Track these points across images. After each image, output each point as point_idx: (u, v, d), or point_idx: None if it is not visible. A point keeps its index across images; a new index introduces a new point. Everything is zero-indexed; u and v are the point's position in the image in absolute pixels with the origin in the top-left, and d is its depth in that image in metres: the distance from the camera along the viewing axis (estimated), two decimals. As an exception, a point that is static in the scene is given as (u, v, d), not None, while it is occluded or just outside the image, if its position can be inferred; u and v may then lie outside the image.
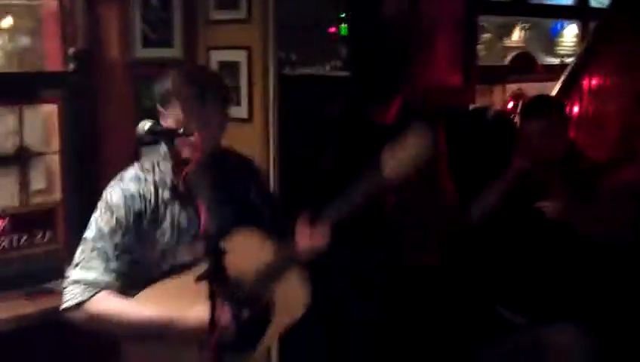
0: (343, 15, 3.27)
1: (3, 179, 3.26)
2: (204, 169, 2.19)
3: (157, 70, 3.51)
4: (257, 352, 2.33)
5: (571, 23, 6.76)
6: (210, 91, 2.19)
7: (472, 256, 3.49)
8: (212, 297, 2.10)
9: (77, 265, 2.16)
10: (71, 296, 2.12)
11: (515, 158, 3.32)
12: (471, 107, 4.56)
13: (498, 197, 3.31)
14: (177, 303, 2.12)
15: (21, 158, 3.32)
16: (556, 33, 7.11)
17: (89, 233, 2.18)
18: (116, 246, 2.15)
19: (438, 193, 3.57)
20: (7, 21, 3.79)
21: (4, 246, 3.16)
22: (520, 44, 6.72)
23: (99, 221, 2.18)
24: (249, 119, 3.54)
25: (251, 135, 3.53)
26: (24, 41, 3.88)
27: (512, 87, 5.50)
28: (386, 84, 3.53)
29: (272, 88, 3.49)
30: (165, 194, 2.21)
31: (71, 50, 3.56)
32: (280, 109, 3.49)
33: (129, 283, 2.18)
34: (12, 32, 3.85)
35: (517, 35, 7.11)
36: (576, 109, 4.81)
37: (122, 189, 2.19)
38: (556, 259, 3.24)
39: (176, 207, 2.22)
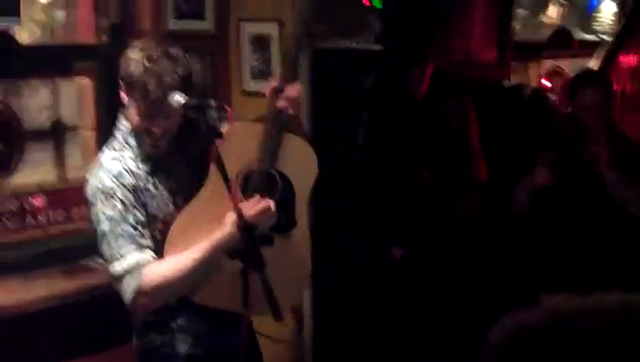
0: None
1: (39, 154, 3.27)
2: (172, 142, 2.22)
3: (189, 41, 3.58)
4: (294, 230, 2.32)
5: (609, -1, 6.60)
6: (169, 85, 2.07)
7: (512, 240, 3.45)
8: (245, 276, 2.13)
9: (111, 259, 2.12)
10: (126, 288, 2.10)
11: (539, 171, 3.27)
12: (506, 84, 4.48)
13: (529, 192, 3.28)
14: (205, 232, 2.13)
15: (57, 133, 3.33)
16: (593, 9, 6.96)
17: (104, 226, 2.13)
18: (134, 225, 2.13)
19: (470, 167, 3.52)
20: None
21: (40, 223, 3.18)
22: (556, 21, 6.59)
23: (105, 211, 2.13)
24: (281, 93, 3.50)
25: (283, 109, 3.50)
26: (59, 14, 3.89)
27: (547, 64, 5.40)
28: (419, 57, 3.48)
29: (303, 62, 3.45)
30: (145, 166, 2.20)
31: (104, 23, 3.56)
32: (312, 83, 3.45)
33: (161, 249, 2.18)
34: (49, 5, 3.86)
35: (553, 10, 6.97)
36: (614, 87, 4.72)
37: (107, 171, 2.15)
38: (605, 240, 3.19)
39: (162, 176, 2.22)
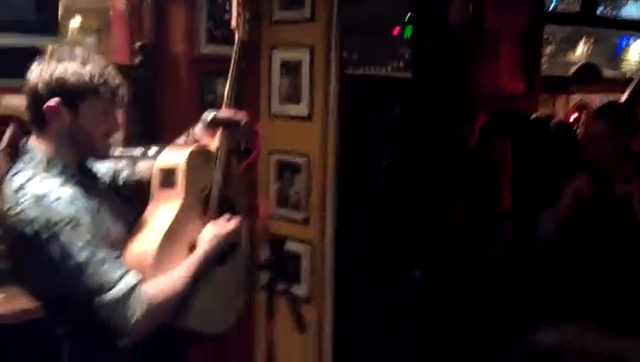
0: (408, 17, 3.25)
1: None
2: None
3: (220, 65, 3.64)
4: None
5: (638, 39, 6.62)
6: (112, 74, 2.02)
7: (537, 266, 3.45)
8: (271, 288, 2.17)
9: (103, 288, 1.91)
10: (131, 311, 1.92)
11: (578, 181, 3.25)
12: (533, 116, 4.50)
13: (562, 215, 3.26)
14: (184, 252, 2.14)
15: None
16: (622, 49, 6.97)
17: (79, 258, 1.89)
18: (109, 246, 1.97)
19: (498, 198, 3.55)
20: (76, 21, 3.91)
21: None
22: (583, 58, 6.61)
23: (75, 242, 1.89)
24: (309, 117, 3.55)
25: (311, 133, 3.54)
26: (90, 40, 3.98)
27: (575, 98, 5.40)
28: (448, 87, 3.52)
29: (332, 87, 3.50)
30: (77, 193, 1.97)
31: (137, 45, 3.64)
32: (340, 108, 3.50)
33: None
34: (79, 31, 3.96)
35: (581, 49, 7.00)
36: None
37: (57, 198, 1.90)
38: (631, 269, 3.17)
39: (94, 199, 2.04)
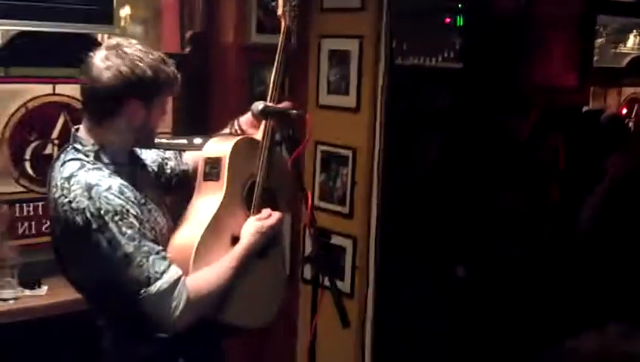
0: (460, 6, 3.21)
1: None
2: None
3: (270, 55, 3.65)
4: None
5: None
6: (163, 63, 2.04)
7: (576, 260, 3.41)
8: (316, 282, 2.17)
9: (149, 281, 1.93)
10: (175, 303, 1.94)
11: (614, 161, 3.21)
12: (584, 109, 4.42)
13: (599, 199, 3.22)
14: (222, 244, 2.14)
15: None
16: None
17: (127, 248, 1.90)
18: (154, 239, 1.99)
19: (547, 191, 3.50)
20: (126, 10, 3.95)
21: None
22: (635, 52, 6.45)
23: (124, 232, 1.91)
24: (357, 108, 3.53)
25: (358, 124, 3.52)
26: (138, 29, 4.02)
27: (627, 91, 5.28)
28: (499, 79, 3.47)
29: (381, 78, 3.47)
30: (124, 181, 2.00)
31: (188, 34, 3.66)
32: (389, 99, 3.47)
33: None
34: (129, 20, 4.00)
35: (632, 41, 6.83)
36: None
37: (107, 189, 1.92)
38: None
39: (141, 191, 2.06)
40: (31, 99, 3.11)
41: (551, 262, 3.55)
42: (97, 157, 2.01)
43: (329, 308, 2.15)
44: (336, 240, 3.48)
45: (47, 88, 3.16)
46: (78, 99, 3.19)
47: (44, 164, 3.14)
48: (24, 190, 3.13)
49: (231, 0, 3.58)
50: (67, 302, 2.96)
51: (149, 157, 2.30)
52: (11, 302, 2.90)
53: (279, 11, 2.36)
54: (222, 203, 2.17)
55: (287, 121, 2.25)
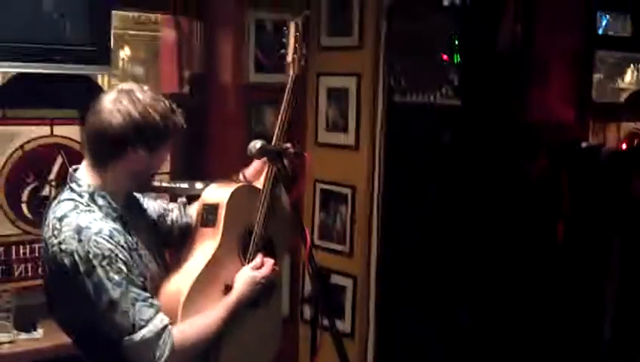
0: (457, 43, 3.22)
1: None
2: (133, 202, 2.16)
3: (268, 94, 3.66)
4: None
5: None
6: (172, 116, 2.02)
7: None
8: (315, 321, 2.14)
9: (134, 328, 1.89)
10: (158, 353, 1.91)
11: None
12: (584, 144, 4.40)
13: None
14: (214, 293, 2.11)
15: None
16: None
17: (112, 294, 1.87)
18: (142, 286, 1.95)
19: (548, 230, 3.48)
20: (125, 51, 3.97)
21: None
22: (633, 86, 6.46)
23: (111, 277, 1.87)
24: (356, 146, 3.53)
25: (357, 162, 3.52)
26: (138, 70, 4.04)
27: (627, 126, 5.27)
28: (499, 115, 3.46)
29: (380, 115, 3.48)
30: (117, 226, 1.96)
31: (187, 74, 3.67)
32: (388, 137, 3.46)
33: None
34: (129, 61, 4.02)
35: (630, 75, 6.85)
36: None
37: (97, 233, 1.89)
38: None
39: (134, 235, 2.03)
40: (28, 141, 3.11)
41: (556, 304, 3.51)
42: (92, 199, 1.97)
43: (329, 349, 2.12)
44: (336, 279, 3.45)
45: (44, 130, 3.16)
46: (76, 141, 3.22)
47: (40, 206, 3.14)
48: (20, 232, 3.11)
49: (229, 40, 3.59)
50: (63, 345, 2.88)
51: (151, 206, 2.28)
52: (7, 345, 2.86)
53: (288, 58, 2.35)
54: (216, 251, 2.15)
55: (286, 160, 2.23)
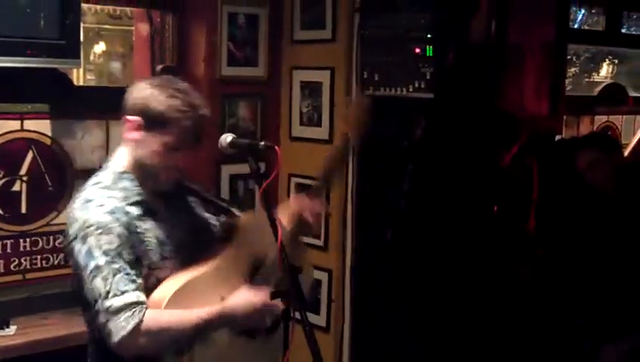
0: (429, 36, 3.22)
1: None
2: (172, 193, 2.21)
3: (241, 87, 3.65)
4: None
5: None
6: (202, 133, 2.11)
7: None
8: (287, 315, 2.13)
9: (108, 295, 1.97)
10: (123, 323, 1.96)
11: None
12: (557, 138, 4.43)
13: None
14: (204, 299, 2.11)
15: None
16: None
17: (99, 261, 1.98)
18: (130, 263, 2.02)
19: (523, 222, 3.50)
20: (100, 46, 3.96)
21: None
22: (608, 79, 6.53)
23: (101, 245, 1.99)
24: (329, 140, 3.53)
25: (331, 156, 3.51)
26: (114, 66, 4.03)
27: (600, 119, 5.33)
28: (470, 107, 3.47)
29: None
30: (135, 210, 2.08)
31: (159, 67, 3.65)
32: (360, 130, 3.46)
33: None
34: (103, 55, 4.00)
35: (605, 69, 6.92)
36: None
37: (100, 206, 2.03)
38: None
39: (150, 222, 2.12)
40: (-2, 135, 3.08)
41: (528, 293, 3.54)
42: (117, 179, 2.10)
43: (302, 343, 2.11)
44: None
45: (15, 124, 3.13)
46: (47, 135, 3.19)
47: (11, 201, 3.11)
48: (-8, 228, 3.08)
49: (201, 33, 3.57)
50: (37, 341, 2.92)
51: (203, 212, 2.35)
52: (-22, 343, 2.85)
53: (345, 128, 2.43)
54: (220, 263, 2.17)
55: (256, 153, 2.23)
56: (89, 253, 1.99)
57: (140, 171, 2.13)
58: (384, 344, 3.43)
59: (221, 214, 2.39)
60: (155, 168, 2.11)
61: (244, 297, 2.12)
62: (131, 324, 1.96)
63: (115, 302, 1.97)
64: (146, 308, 2.00)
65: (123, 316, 1.96)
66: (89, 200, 2.04)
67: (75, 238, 2.02)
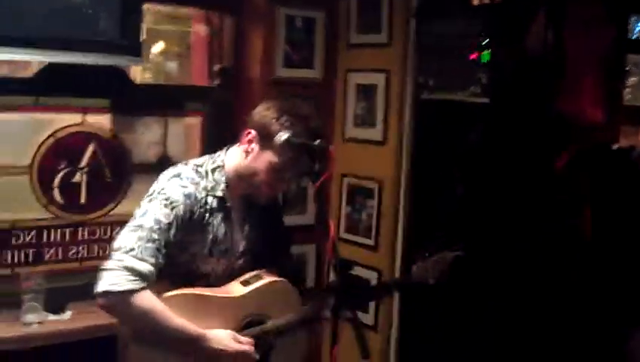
0: (486, 42, 3.22)
1: (144, 186, 3.40)
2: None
3: (297, 89, 3.69)
4: None
5: None
6: (314, 163, 2.15)
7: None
8: (336, 312, 2.15)
9: (131, 250, 2.06)
10: (119, 280, 2.03)
11: None
12: (614, 146, 4.36)
13: None
14: (193, 317, 2.17)
15: (162, 167, 3.45)
16: None
17: (145, 221, 2.10)
18: (167, 243, 2.11)
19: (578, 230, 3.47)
20: (159, 46, 4.03)
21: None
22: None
23: (157, 213, 2.11)
24: (383, 142, 3.55)
25: (384, 158, 3.53)
26: (171, 65, 4.10)
27: (659, 130, 5.22)
28: (525, 113, 3.45)
29: (407, 112, 3.49)
30: (213, 202, 2.22)
31: (216, 67, 3.72)
32: (415, 134, 3.48)
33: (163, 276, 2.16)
34: (162, 55, 4.07)
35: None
36: None
37: (182, 187, 2.16)
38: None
39: (219, 218, 2.23)
40: (60, 128, 3.17)
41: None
42: (213, 171, 2.23)
43: (350, 338, 2.14)
44: (361, 272, 3.47)
45: (76, 118, 3.22)
46: (107, 129, 3.28)
47: (71, 192, 3.20)
48: (52, 216, 3.17)
49: (258, 34, 3.63)
50: (91, 327, 3.00)
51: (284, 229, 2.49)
52: (35, 326, 2.93)
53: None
54: (224, 298, 2.24)
55: (311, 153, 2.25)
56: (145, 212, 2.12)
57: (237, 175, 2.24)
58: (431, 344, 3.43)
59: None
60: (253, 181, 2.21)
61: (223, 337, 2.18)
62: (125, 287, 2.03)
63: (130, 261, 2.04)
64: (147, 287, 2.06)
65: (126, 276, 2.03)
66: (177, 175, 2.19)
67: (147, 196, 2.16)
